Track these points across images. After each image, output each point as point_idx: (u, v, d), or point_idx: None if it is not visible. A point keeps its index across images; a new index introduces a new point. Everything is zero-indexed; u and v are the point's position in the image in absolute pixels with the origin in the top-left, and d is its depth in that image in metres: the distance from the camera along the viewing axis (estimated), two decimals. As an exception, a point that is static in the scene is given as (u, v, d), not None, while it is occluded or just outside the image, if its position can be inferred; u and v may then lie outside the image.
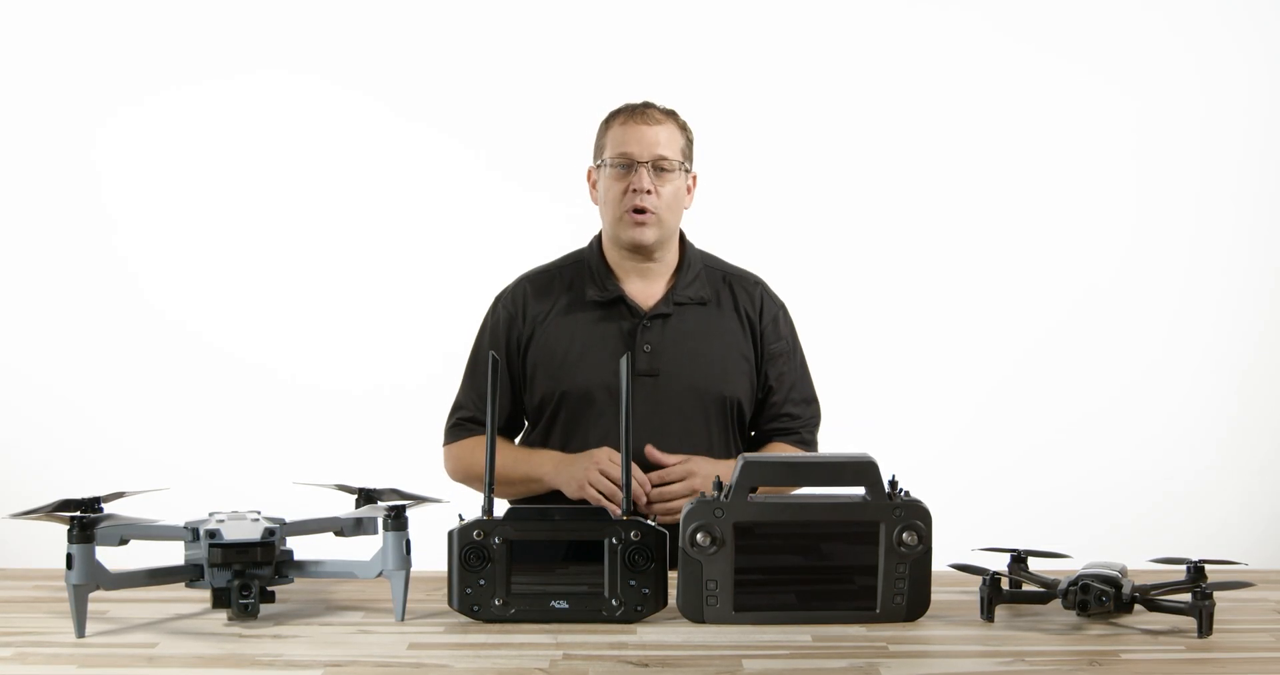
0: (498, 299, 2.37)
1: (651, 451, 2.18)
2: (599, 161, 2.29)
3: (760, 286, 2.38)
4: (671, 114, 2.30)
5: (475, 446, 2.29)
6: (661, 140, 2.24)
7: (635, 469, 2.12)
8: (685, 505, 1.70)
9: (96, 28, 3.88)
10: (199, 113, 3.92)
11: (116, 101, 3.91)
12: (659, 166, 2.23)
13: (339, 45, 3.93)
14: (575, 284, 2.32)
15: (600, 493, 2.11)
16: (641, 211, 2.22)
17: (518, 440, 2.37)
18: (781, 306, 2.39)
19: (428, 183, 3.95)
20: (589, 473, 2.12)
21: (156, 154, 3.92)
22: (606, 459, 2.13)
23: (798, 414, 2.35)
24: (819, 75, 3.96)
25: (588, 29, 3.92)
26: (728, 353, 2.30)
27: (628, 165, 2.23)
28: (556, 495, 2.21)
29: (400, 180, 3.95)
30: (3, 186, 3.91)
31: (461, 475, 2.33)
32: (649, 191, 2.22)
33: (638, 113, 2.27)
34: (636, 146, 2.23)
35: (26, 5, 3.87)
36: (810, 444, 2.36)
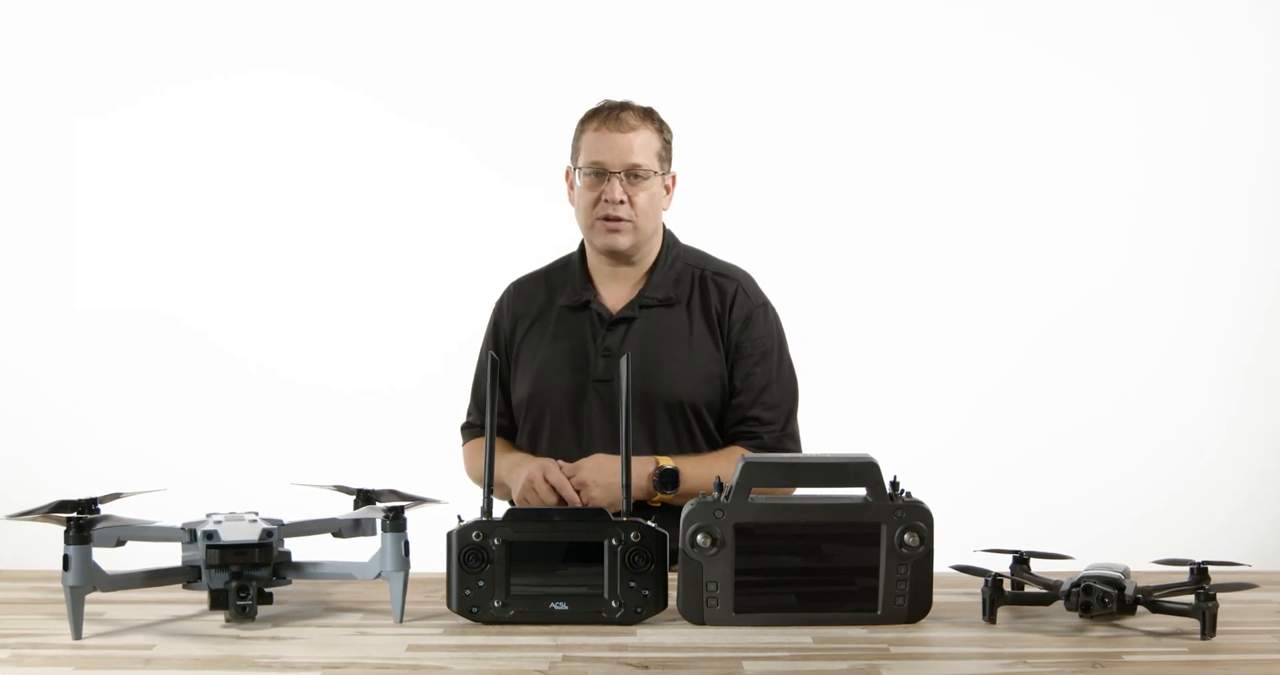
0: (494, 303, 2.40)
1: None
2: (577, 166, 2.26)
3: (738, 284, 2.29)
4: (648, 116, 2.25)
5: (476, 449, 2.32)
6: (635, 147, 2.20)
7: (553, 472, 2.12)
8: (686, 506, 1.69)
9: (93, 27, 3.87)
10: (195, 111, 3.91)
11: (114, 101, 3.90)
12: (633, 174, 2.20)
13: (337, 45, 3.92)
14: (556, 288, 2.32)
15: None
16: (615, 219, 2.20)
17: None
18: (760, 305, 2.29)
19: (426, 182, 3.94)
20: (524, 489, 2.13)
21: (153, 153, 3.91)
22: (540, 475, 2.12)
23: (766, 418, 2.25)
24: (818, 74, 3.95)
25: (585, 28, 3.91)
26: (689, 355, 2.24)
27: (600, 174, 2.21)
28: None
29: (398, 180, 3.95)
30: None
31: (473, 478, 2.35)
32: (621, 201, 2.19)
33: (611, 119, 2.21)
34: (609, 155, 2.20)
35: (25, 2, 3.87)
36: (774, 449, 2.24)
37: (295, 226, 3.92)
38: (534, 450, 2.26)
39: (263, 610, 1.68)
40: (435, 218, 3.92)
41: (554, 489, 2.11)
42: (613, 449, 2.14)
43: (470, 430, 2.38)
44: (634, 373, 2.16)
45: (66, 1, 3.86)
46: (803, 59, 3.96)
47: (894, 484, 1.68)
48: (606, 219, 2.20)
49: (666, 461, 2.16)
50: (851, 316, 3.87)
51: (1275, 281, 4.02)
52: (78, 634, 1.60)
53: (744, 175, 3.85)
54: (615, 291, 2.29)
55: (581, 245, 2.35)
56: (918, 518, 1.67)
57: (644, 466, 2.14)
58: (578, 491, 2.11)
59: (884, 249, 3.97)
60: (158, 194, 3.91)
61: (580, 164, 2.24)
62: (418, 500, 1.88)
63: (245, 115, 3.91)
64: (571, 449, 2.20)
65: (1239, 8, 3.99)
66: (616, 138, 2.20)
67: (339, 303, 3.93)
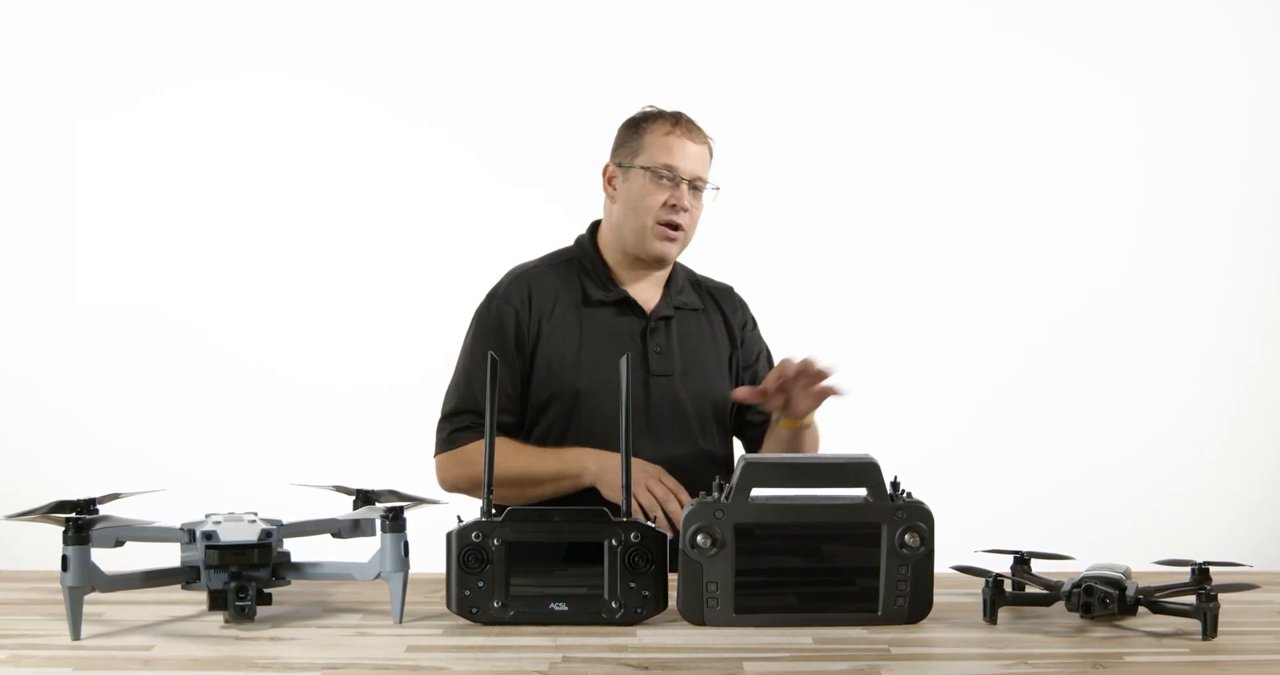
0: (492, 297, 2.31)
1: (741, 392, 2.17)
2: (634, 164, 2.26)
3: (734, 294, 2.45)
4: (706, 135, 2.31)
5: (477, 451, 2.21)
6: (703, 160, 2.27)
7: (669, 478, 2.12)
8: (686, 506, 1.69)
9: (93, 27, 3.87)
10: (195, 111, 3.91)
11: (114, 101, 3.90)
12: (695, 186, 2.25)
13: (337, 45, 3.93)
14: (574, 282, 2.30)
15: (642, 505, 2.10)
16: (675, 227, 2.24)
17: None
18: (752, 314, 2.46)
19: (426, 182, 3.94)
20: (640, 482, 2.10)
21: (151, 153, 3.91)
22: (657, 478, 2.11)
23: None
24: (818, 73, 3.96)
25: (584, 29, 3.91)
26: (720, 357, 2.35)
27: (672, 178, 2.23)
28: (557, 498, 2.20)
29: (398, 180, 3.95)
30: None
31: (467, 483, 2.24)
32: (687, 209, 2.24)
33: (684, 125, 2.26)
34: (684, 161, 2.24)
35: (25, 2, 3.87)
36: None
37: (295, 226, 3.92)
38: (582, 443, 2.22)
39: (262, 611, 1.68)
40: (435, 218, 3.92)
41: (672, 492, 2.11)
42: (682, 440, 2.22)
43: (475, 430, 2.25)
44: (690, 370, 2.27)
45: (66, 1, 3.86)
46: (801, 59, 3.96)
47: (894, 484, 1.68)
48: (668, 225, 2.23)
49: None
50: (852, 317, 3.87)
51: (1276, 281, 4.02)
52: (76, 635, 1.59)
53: (746, 176, 3.83)
54: (642, 291, 2.32)
55: (585, 242, 2.35)
56: (918, 518, 1.66)
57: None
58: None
59: (884, 249, 3.97)
60: (158, 194, 3.91)
61: (647, 164, 2.24)
62: (417, 500, 1.87)
63: (245, 115, 3.91)
64: (643, 442, 2.20)
65: (1239, 8, 3.99)
66: (690, 146, 2.25)
67: (339, 303, 3.93)
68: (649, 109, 2.31)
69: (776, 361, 2.42)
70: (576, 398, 2.24)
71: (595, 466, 2.16)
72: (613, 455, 2.16)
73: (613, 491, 2.12)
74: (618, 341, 2.25)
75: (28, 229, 3.90)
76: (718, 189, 2.31)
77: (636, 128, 2.29)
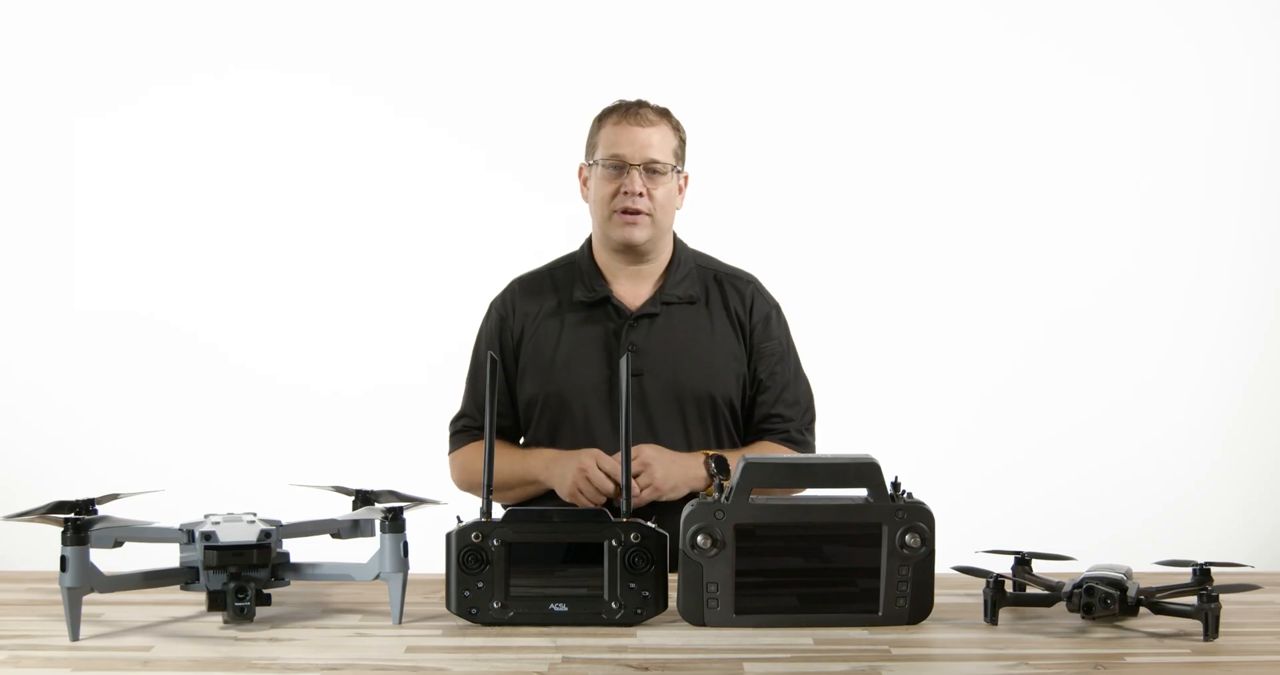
0: (491, 304, 2.37)
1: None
2: (591, 160, 2.28)
3: (753, 285, 2.35)
4: (665, 114, 2.28)
5: (476, 451, 2.26)
6: (654, 142, 2.23)
7: (595, 473, 2.12)
8: (686, 507, 1.68)
9: (93, 27, 3.86)
10: (192, 112, 3.90)
11: (114, 101, 3.90)
12: (651, 169, 2.22)
13: (338, 45, 3.92)
14: (564, 285, 2.31)
15: (587, 498, 2.11)
16: (634, 212, 2.21)
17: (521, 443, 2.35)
18: (775, 306, 2.36)
19: (426, 183, 3.93)
20: (577, 479, 2.12)
21: (149, 153, 3.90)
22: (593, 463, 2.11)
23: (788, 415, 2.31)
24: (818, 72, 3.95)
25: (586, 28, 3.90)
26: (716, 352, 2.28)
27: (619, 167, 2.22)
28: (555, 496, 2.20)
29: (398, 180, 3.94)
30: (-3, 187, 3.91)
31: (466, 483, 2.31)
32: (641, 193, 2.21)
33: (631, 113, 2.25)
34: (629, 148, 2.22)
35: (25, 2, 3.87)
36: (801, 444, 2.32)
37: (295, 227, 3.91)
38: (555, 446, 2.23)
39: (261, 611, 1.67)
40: (435, 218, 3.91)
41: (609, 476, 2.10)
42: (641, 440, 2.18)
43: (468, 433, 2.33)
44: (664, 368, 2.24)
45: (66, 1, 3.86)
46: (807, 59, 3.95)
47: (895, 485, 1.68)
48: (625, 211, 2.22)
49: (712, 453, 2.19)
50: (855, 318, 3.86)
51: (1278, 283, 4.01)
52: (75, 635, 1.59)
53: (749, 177, 3.84)
54: (632, 289, 2.29)
55: (587, 244, 2.35)
56: (919, 518, 1.66)
57: (695, 460, 2.17)
58: (637, 474, 2.11)
59: (888, 250, 3.96)
60: (158, 194, 3.91)
61: (598, 157, 2.25)
62: (416, 501, 1.87)
63: (246, 115, 3.90)
64: (609, 443, 2.18)
65: (1245, 6, 3.98)
66: (636, 131, 2.23)
67: (340, 304, 3.92)
68: (608, 105, 2.31)
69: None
70: (553, 400, 2.25)
71: (543, 468, 2.19)
72: (559, 457, 2.17)
73: (560, 493, 2.15)
74: (592, 343, 2.25)
75: (28, 229, 3.89)
76: (679, 171, 2.28)
77: (594, 125, 2.31)
